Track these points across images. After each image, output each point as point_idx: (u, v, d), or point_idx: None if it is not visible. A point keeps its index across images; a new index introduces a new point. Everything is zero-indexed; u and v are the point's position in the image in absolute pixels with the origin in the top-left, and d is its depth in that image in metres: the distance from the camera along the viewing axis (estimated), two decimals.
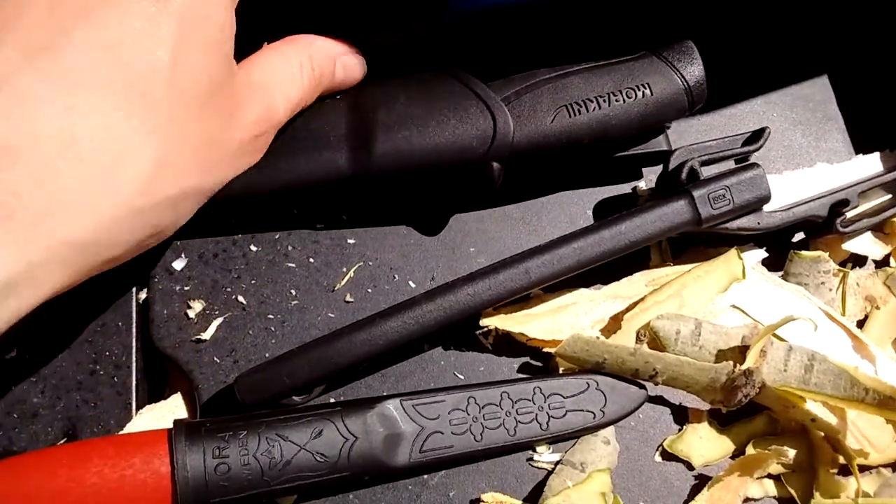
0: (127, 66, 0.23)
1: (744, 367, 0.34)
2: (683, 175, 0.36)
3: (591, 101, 0.35)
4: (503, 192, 0.36)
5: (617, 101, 0.35)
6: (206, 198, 0.28)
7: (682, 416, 0.36)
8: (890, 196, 0.41)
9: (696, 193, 0.35)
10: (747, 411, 0.36)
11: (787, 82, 0.44)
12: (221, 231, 0.35)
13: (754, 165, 0.36)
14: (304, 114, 0.33)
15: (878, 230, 0.41)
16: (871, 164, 0.42)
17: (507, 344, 0.36)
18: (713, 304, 0.37)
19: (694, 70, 0.36)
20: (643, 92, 0.36)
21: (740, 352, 0.36)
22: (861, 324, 0.39)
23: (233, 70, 0.27)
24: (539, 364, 0.36)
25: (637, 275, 0.38)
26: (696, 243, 0.39)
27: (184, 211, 0.27)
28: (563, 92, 0.35)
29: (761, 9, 0.45)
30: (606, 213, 0.39)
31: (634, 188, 0.40)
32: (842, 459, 0.35)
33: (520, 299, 0.35)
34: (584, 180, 0.39)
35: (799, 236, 0.40)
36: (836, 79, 0.44)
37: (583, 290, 0.37)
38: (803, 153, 0.42)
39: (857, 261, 0.40)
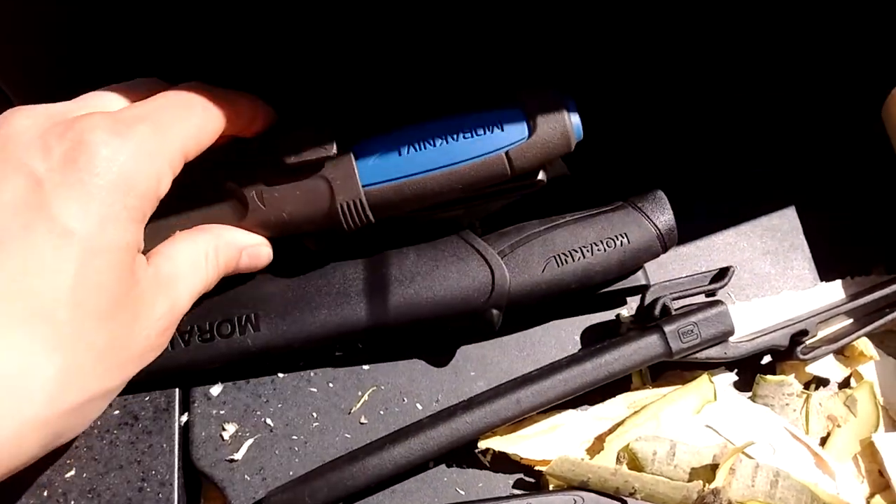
0: (30, 292, 0.24)
1: (712, 485, 0.39)
2: (657, 311, 0.41)
3: (577, 252, 0.40)
4: (501, 324, 0.41)
5: (599, 250, 0.41)
6: (113, 396, 0.29)
7: None
8: (851, 321, 0.45)
9: (667, 329, 0.40)
10: None
11: (757, 214, 0.49)
12: (254, 366, 0.40)
13: (719, 303, 0.41)
14: (325, 270, 0.39)
15: (840, 353, 0.45)
16: (834, 290, 0.47)
17: (504, 462, 0.40)
18: (688, 424, 0.42)
19: (665, 218, 0.42)
20: (621, 241, 0.41)
21: (712, 469, 0.40)
22: (824, 441, 0.43)
23: (137, 277, 0.28)
24: (532, 480, 0.40)
25: (619, 397, 0.42)
26: (673, 367, 0.44)
27: (91, 414, 0.28)
28: (552, 244, 0.40)
29: (733, 146, 0.50)
30: (593, 337, 0.44)
31: (618, 315, 0.45)
32: None
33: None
34: (573, 310, 0.44)
35: (767, 359, 0.45)
36: (803, 210, 0.49)
37: (571, 412, 0.42)
38: (771, 281, 0.47)
39: (821, 381, 0.44)
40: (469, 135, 0.38)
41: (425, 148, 0.39)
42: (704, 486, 0.38)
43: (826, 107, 0.52)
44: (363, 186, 0.38)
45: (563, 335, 0.44)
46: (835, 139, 0.52)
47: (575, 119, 0.39)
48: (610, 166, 0.47)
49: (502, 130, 0.38)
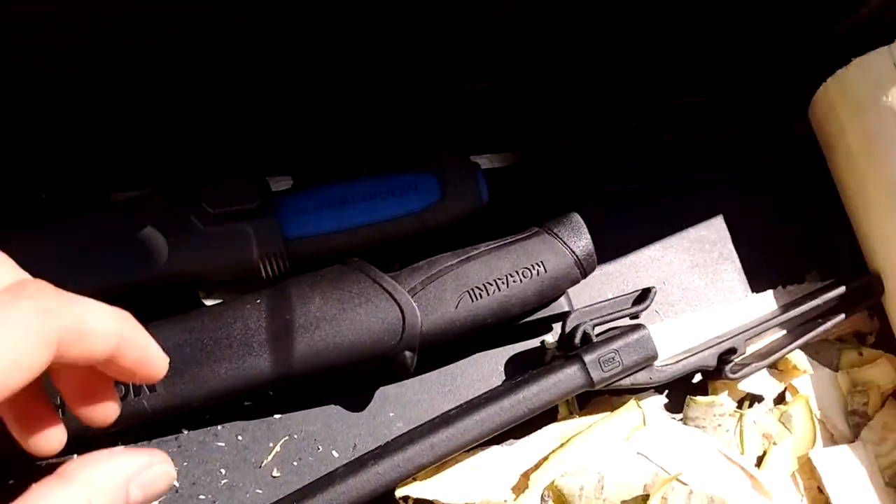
0: None
1: None
2: (577, 339, 0.39)
3: (492, 284, 0.39)
4: (420, 359, 0.40)
5: (514, 281, 0.39)
6: None
7: None
8: (783, 333, 0.44)
9: (587, 358, 0.38)
10: None
11: (683, 226, 0.48)
12: (156, 424, 0.38)
13: (640, 327, 0.39)
14: (224, 319, 0.37)
15: (774, 367, 0.44)
16: (766, 302, 0.46)
17: None
18: (618, 453, 0.40)
19: (582, 243, 0.40)
20: (538, 270, 0.39)
21: (643, 500, 0.38)
22: (760, 460, 0.42)
23: None
24: None
25: (546, 429, 0.41)
26: (601, 394, 0.42)
27: None
28: (465, 278, 0.39)
29: (655, 155, 0.49)
30: (518, 367, 0.43)
31: (542, 342, 0.43)
32: None
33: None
34: (496, 340, 0.43)
35: (698, 377, 0.43)
36: (731, 219, 0.48)
37: (495, 448, 0.40)
38: (701, 294, 0.46)
39: (755, 398, 0.43)
40: (387, 195, 0.40)
41: (346, 205, 0.40)
42: None
43: (752, 109, 0.51)
44: (287, 238, 0.39)
45: (487, 367, 0.42)
46: (761, 142, 0.50)
47: (482, 183, 0.41)
48: (524, 189, 0.46)
49: (416, 192, 0.41)
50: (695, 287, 0.46)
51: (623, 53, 0.46)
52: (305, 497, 0.35)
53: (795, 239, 0.48)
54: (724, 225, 0.48)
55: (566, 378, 0.38)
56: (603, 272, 0.45)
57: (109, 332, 0.24)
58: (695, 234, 0.48)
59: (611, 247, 0.45)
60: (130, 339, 0.25)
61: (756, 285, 0.46)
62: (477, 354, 0.42)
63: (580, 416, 0.41)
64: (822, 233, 0.48)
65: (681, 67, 0.49)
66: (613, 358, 0.39)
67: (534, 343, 0.43)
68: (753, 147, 0.50)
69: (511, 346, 0.43)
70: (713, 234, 0.48)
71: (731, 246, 0.47)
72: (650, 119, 0.50)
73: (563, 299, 0.42)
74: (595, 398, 0.42)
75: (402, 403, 0.41)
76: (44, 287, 0.23)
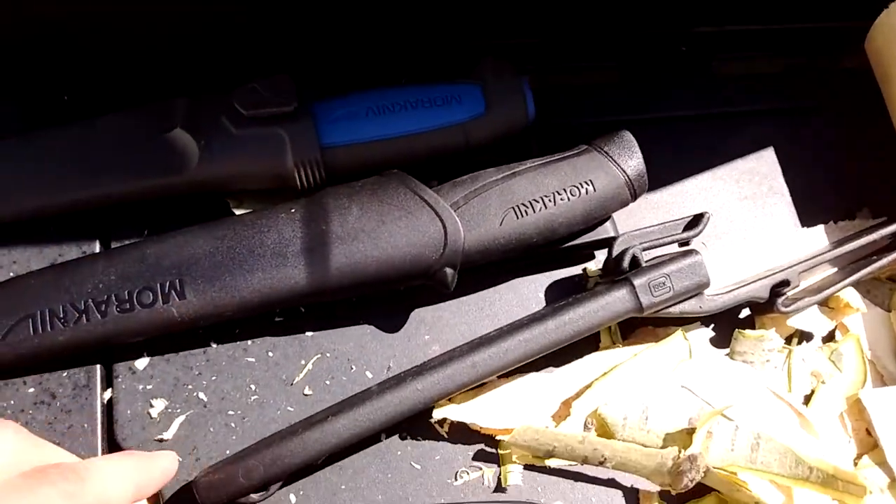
0: None
1: (688, 451, 0.35)
2: (625, 263, 0.37)
3: (538, 202, 0.37)
4: (458, 283, 0.38)
5: (562, 199, 0.37)
6: None
7: (634, 498, 0.37)
8: (835, 270, 0.42)
9: (636, 282, 0.36)
10: (697, 493, 0.37)
11: (732, 157, 0.45)
12: (184, 336, 0.37)
13: (693, 252, 0.38)
14: (258, 228, 0.35)
15: (824, 305, 0.42)
16: (816, 237, 0.44)
17: (462, 432, 0.37)
18: (662, 385, 0.38)
19: (634, 162, 0.38)
20: (586, 189, 0.37)
21: (688, 434, 0.37)
22: (807, 399, 0.40)
23: None
24: (493, 451, 0.37)
25: (587, 358, 0.39)
26: (645, 324, 0.40)
27: None
28: (510, 194, 0.37)
29: (704, 84, 0.47)
30: (558, 295, 0.41)
31: (584, 269, 0.41)
32: None
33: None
34: (536, 266, 0.41)
35: (745, 312, 0.41)
36: (782, 151, 0.46)
37: (534, 375, 0.38)
38: (749, 227, 0.44)
39: (804, 336, 0.41)
40: (429, 105, 0.38)
41: (385, 114, 0.38)
42: (680, 452, 0.35)
43: (803, 41, 0.49)
44: (323, 145, 0.37)
45: (526, 293, 0.41)
46: (814, 76, 0.48)
47: (529, 99, 0.39)
48: (572, 107, 0.43)
49: (460, 103, 0.38)
50: (743, 219, 0.44)
51: None
52: (341, 412, 0.33)
53: (847, 175, 0.46)
54: (774, 158, 0.46)
55: (614, 301, 0.36)
56: (647, 200, 0.43)
57: (128, 493, 0.28)
58: (744, 165, 0.45)
59: (656, 175, 0.43)
60: (146, 485, 0.30)
61: (806, 220, 0.44)
62: (516, 280, 0.41)
63: (623, 346, 0.40)
64: (874, 169, 0.46)
65: None
66: (664, 283, 0.37)
67: (575, 270, 0.41)
68: (805, 79, 0.48)
69: (551, 272, 0.41)
70: (763, 167, 0.46)
71: (780, 179, 0.45)
72: (699, 45, 0.47)
73: (608, 225, 0.40)
74: (638, 329, 0.40)
75: (438, 326, 0.39)
76: (64, 471, 0.25)
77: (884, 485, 0.38)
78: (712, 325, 0.41)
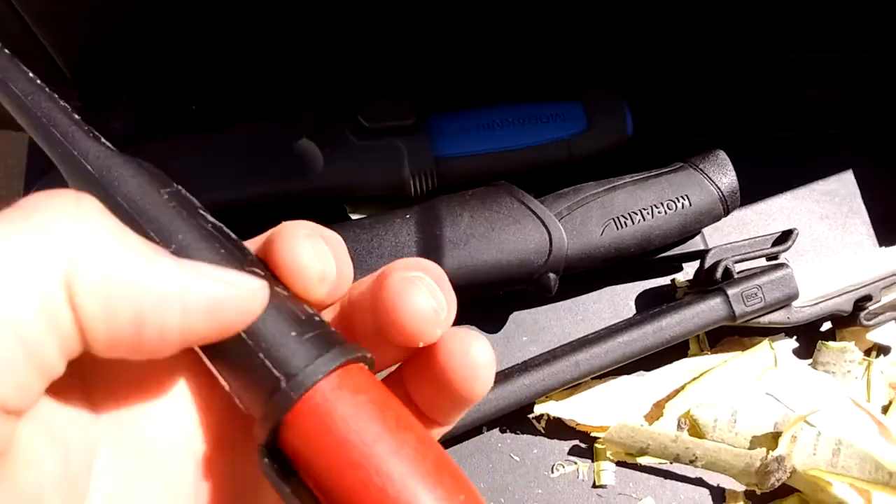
0: None
1: (775, 453, 0.37)
2: (718, 274, 0.40)
3: (636, 214, 0.39)
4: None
5: (659, 212, 0.39)
6: None
7: (720, 496, 0.39)
8: None
9: (730, 292, 0.39)
10: (780, 493, 0.39)
11: (814, 178, 0.47)
12: None
13: (784, 266, 0.40)
14: (376, 231, 0.38)
15: None
16: (894, 255, 0.45)
17: (558, 428, 0.39)
18: (748, 391, 0.40)
19: (727, 179, 0.40)
20: (682, 203, 0.40)
21: (773, 437, 0.39)
22: (886, 409, 0.42)
23: None
24: (586, 447, 0.39)
25: (677, 363, 0.41)
26: (732, 333, 0.42)
27: None
28: (611, 206, 0.39)
29: (788, 106, 0.49)
30: (647, 303, 0.43)
31: (673, 280, 0.43)
32: None
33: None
34: (628, 275, 0.43)
35: (826, 325, 0.43)
36: (861, 173, 0.48)
37: (626, 378, 0.41)
38: (829, 245, 0.46)
39: (882, 349, 0.43)
40: (535, 121, 0.41)
41: (494, 129, 0.41)
42: (767, 453, 0.37)
43: (885, 67, 0.50)
44: (437, 156, 0.40)
45: (618, 300, 0.43)
46: (891, 101, 0.50)
47: (628, 117, 0.42)
48: (667, 126, 0.46)
49: (564, 121, 0.41)
50: (824, 238, 0.46)
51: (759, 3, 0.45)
52: None
53: None
54: (853, 179, 0.48)
55: (708, 309, 0.38)
56: (734, 217, 0.45)
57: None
58: (825, 186, 0.47)
59: (743, 193, 0.45)
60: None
61: (885, 240, 0.46)
62: (608, 288, 0.43)
63: (711, 353, 0.42)
64: None
65: (814, 20, 0.48)
66: (756, 293, 0.39)
67: (664, 281, 0.44)
68: (885, 104, 0.50)
69: (641, 282, 0.44)
70: (843, 188, 0.47)
71: (860, 200, 0.47)
72: (784, 71, 0.49)
73: (698, 238, 0.43)
74: (725, 338, 0.43)
75: (535, 329, 0.42)
76: None
77: None
78: (795, 337, 0.43)
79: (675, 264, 0.44)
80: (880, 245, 0.46)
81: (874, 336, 0.43)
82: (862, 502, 0.39)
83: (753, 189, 0.46)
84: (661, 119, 0.46)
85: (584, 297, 0.43)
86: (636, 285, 0.43)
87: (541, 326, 0.42)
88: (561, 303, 0.42)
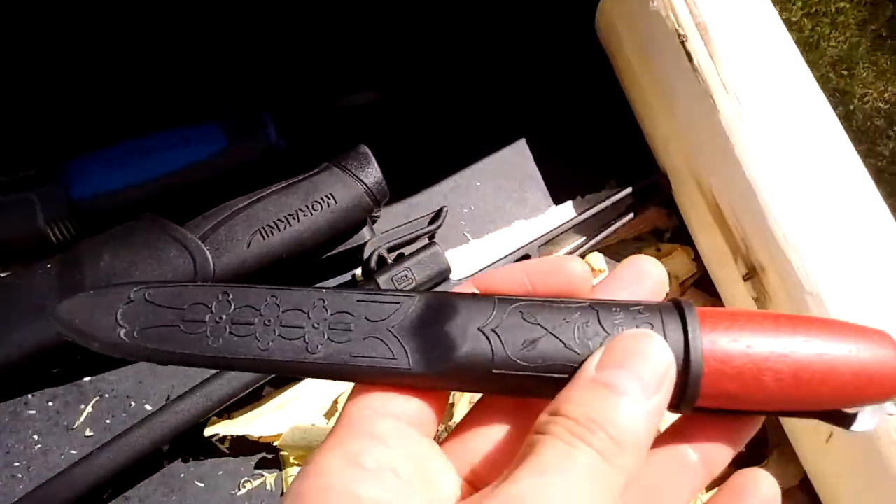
0: None
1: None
2: (373, 263, 0.41)
3: (282, 221, 0.40)
4: None
5: (305, 215, 0.40)
6: None
7: None
8: (583, 239, 0.46)
9: (380, 279, 0.40)
10: None
11: (487, 151, 0.50)
12: None
13: (432, 244, 0.41)
14: (15, 288, 0.37)
15: None
16: (565, 212, 0.48)
17: (243, 444, 0.39)
18: None
19: (371, 171, 0.42)
20: (328, 202, 0.41)
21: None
22: None
23: None
24: (272, 456, 0.40)
25: None
26: None
27: None
28: (256, 218, 0.40)
29: (452, 85, 0.51)
30: None
31: (353, 275, 0.44)
32: None
33: (253, 397, 0.40)
34: (305, 279, 0.44)
35: None
36: (532, 139, 0.50)
37: (309, 380, 0.41)
38: (507, 214, 0.48)
39: None
40: (171, 148, 0.41)
41: (132, 161, 0.41)
42: None
43: (537, 30, 0.53)
44: (73, 199, 0.39)
45: None
46: (552, 60, 0.52)
47: (270, 129, 0.43)
48: (319, 134, 0.47)
49: (201, 142, 0.42)
50: (501, 208, 0.48)
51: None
52: (110, 445, 0.36)
53: (593, 151, 0.50)
54: (525, 146, 0.50)
55: None
56: (412, 202, 0.47)
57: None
58: (499, 157, 0.50)
59: (416, 177, 0.47)
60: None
61: (558, 199, 0.49)
62: None
63: None
64: (617, 142, 0.50)
65: None
66: (406, 276, 0.40)
67: (346, 277, 0.44)
68: (545, 66, 0.52)
69: (323, 282, 0.44)
70: (516, 156, 0.50)
71: (533, 165, 0.50)
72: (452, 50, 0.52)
73: (365, 230, 0.44)
74: None
75: None
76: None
77: None
78: None
79: (354, 259, 0.45)
80: (555, 204, 0.49)
81: None
82: None
83: (429, 170, 0.48)
84: (316, 126, 0.47)
85: None
86: (325, 285, 0.44)
87: None
88: None
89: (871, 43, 1.50)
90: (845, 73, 1.46)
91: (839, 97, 1.42)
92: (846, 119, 1.39)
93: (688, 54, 0.44)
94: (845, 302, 0.37)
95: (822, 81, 1.40)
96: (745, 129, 0.41)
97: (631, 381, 0.19)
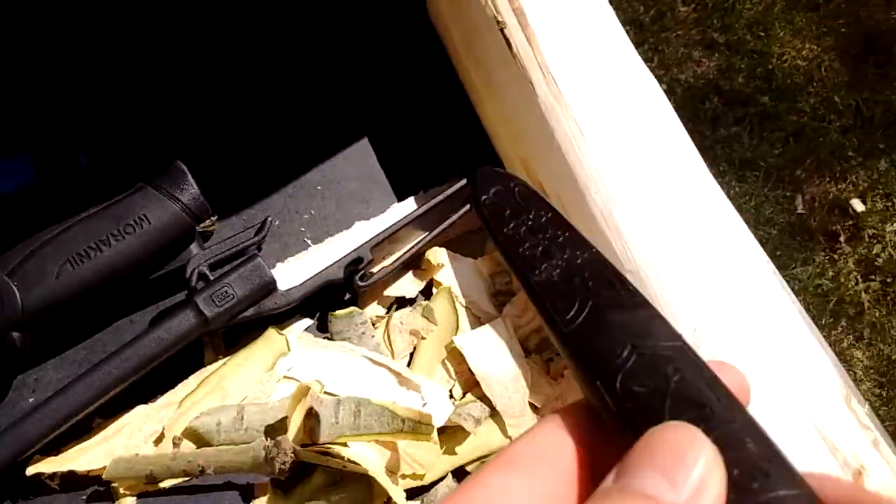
0: None
1: (279, 437, 0.38)
2: (194, 281, 0.40)
3: (93, 248, 0.39)
4: (58, 338, 0.39)
5: (117, 240, 0.39)
6: None
7: (251, 493, 0.40)
8: (424, 235, 0.46)
9: (198, 298, 0.39)
10: (306, 472, 0.40)
11: (328, 155, 0.49)
12: None
13: (253, 256, 0.40)
14: None
15: (418, 269, 0.46)
16: (406, 209, 0.47)
17: (73, 480, 0.38)
18: (264, 383, 0.41)
19: (187, 188, 0.41)
20: (141, 224, 0.40)
21: (283, 422, 0.40)
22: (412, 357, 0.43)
23: None
24: (104, 489, 0.39)
25: (192, 377, 0.41)
26: (248, 329, 0.43)
27: None
28: (65, 247, 0.39)
29: (294, 83, 0.50)
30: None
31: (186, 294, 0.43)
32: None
33: (81, 431, 0.39)
34: (136, 304, 0.43)
35: (349, 295, 0.45)
36: (375, 138, 0.49)
37: (140, 407, 0.40)
38: (353, 218, 0.47)
39: (400, 302, 0.45)
40: None
41: None
42: (268, 440, 0.38)
43: (371, 26, 0.52)
44: None
45: (135, 330, 0.42)
46: (389, 55, 0.51)
47: (81, 155, 0.42)
48: (131, 148, 0.46)
49: (10, 175, 0.41)
50: (346, 213, 0.47)
51: None
52: None
53: (436, 143, 0.49)
54: (368, 145, 0.49)
55: (178, 323, 0.39)
56: (248, 214, 0.46)
57: None
58: (341, 159, 0.49)
59: (256, 189, 0.46)
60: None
61: (402, 196, 0.48)
62: (120, 322, 0.43)
63: (226, 357, 0.42)
64: (460, 133, 0.50)
65: None
66: (227, 292, 0.39)
67: (177, 298, 0.44)
68: (381, 60, 0.51)
69: (158, 304, 0.43)
70: (359, 157, 0.49)
71: (376, 163, 0.49)
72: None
73: (194, 248, 0.43)
74: (243, 337, 0.43)
75: (41, 387, 0.41)
76: None
77: (484, 415, 0.42)
78: (317, 315, 0.44)
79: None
80: (398, 202, 0.48)
81: (393, 291, 0.45)
82: (388, 455, 0.40)
83: (259, 185, 0.47)
84: (127, 147, 0.46)
85: (93, 339, 0.42)
86: (151, 310, 0.43)
87: (48, 381, 0.41)
88: (67, 353, 0.42)
89: (786, 2, 1.51)
90: (762, 34, 1.47)
91: (757, 58, 1.43)
92: (766, 79, 1.39)
93: (507, 40, 0.43)
94: (667, 281, 0.37)
95: (740, 44, 1.41)
96: (564, 113, 0.41)
97: None
